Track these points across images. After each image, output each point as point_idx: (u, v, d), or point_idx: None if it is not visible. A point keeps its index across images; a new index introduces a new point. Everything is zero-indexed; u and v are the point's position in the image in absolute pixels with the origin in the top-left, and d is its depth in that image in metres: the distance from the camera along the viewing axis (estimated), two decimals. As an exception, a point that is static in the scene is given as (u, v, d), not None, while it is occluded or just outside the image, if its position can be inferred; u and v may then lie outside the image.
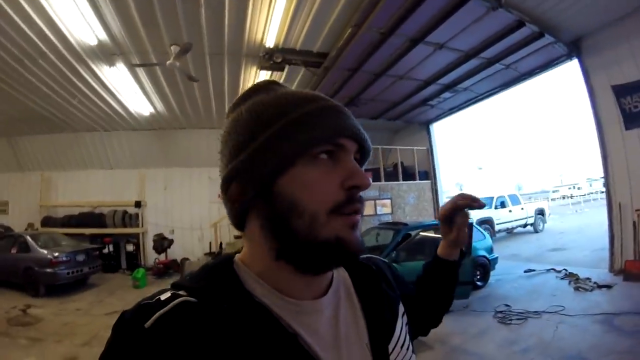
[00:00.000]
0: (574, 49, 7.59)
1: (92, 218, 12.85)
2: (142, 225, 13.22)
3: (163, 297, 0.60)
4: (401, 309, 0.82)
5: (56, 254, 8.95)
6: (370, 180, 0.65)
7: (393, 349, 0.72)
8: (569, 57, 7.86)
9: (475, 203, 0.96)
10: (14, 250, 9.38)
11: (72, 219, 12.76)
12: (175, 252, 12.45)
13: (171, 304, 0.57)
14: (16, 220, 12.92)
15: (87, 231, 12.52)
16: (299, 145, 0.60)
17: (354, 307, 0.72)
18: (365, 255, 0.87)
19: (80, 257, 9.58)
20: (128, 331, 0.55)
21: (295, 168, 0.61)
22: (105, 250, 12.18)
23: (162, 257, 12.22)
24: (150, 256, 12.67)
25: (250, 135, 0.63)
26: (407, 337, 0.79)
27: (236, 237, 11.14)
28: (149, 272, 11.31)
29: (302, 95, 0.67)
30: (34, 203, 13.08)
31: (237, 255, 0.71)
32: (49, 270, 8.77)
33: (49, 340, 5.91)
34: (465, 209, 0.99)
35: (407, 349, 0.76)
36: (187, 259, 12.09)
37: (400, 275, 0.94)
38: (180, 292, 0.60)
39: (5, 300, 8.33)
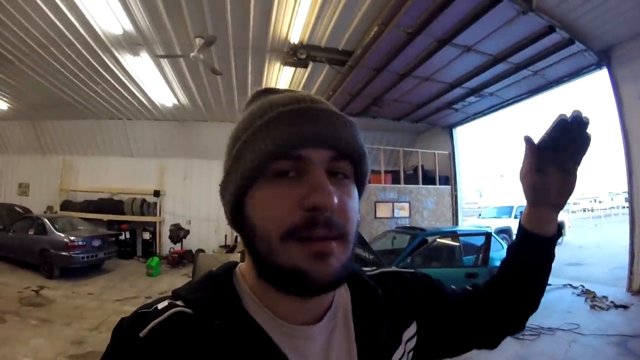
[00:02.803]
0: (604, 58, 7.34)
1: (110, 204, 13.10)
2: (160, 214, 13.39)
3: (160, 306, 0.60)
4: (409, 333, 0.73)
5: (72, 238, 9.12)
6: (334, 200, 0.53)
7: None
8: (598, 66, 7.61)
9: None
10: (31, 232, 9.64)
11: (90, 204, 13.01)
12: (190, 243, 12.58)
13: (166, 314, 0.57)
14: (36, 202, 13.28)
15: (105, 217, 12.77)
16: (251, 164, 0.56)
17: (349, 335, 0.66)
18: (378, 271, 0.80)
19: (96, 242, 9.73)
20: (124, 339, 0.56)
21: (255, 189, 0.57)
22: (122, 237, 12.38)
23: (178, 246, 12.38)
24: (166, 245, 12.87)
25: (227, 155, 0.62)
26: None
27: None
28: (163, 260, 11.49)
29: (271, 103, 0.59)
30: (54, 186, 13.40)
31: (240, 265, 0.69)
32: (64, 253, 8.93)
33: (58, 322, 5.99)
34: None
35: None
36: (202, 250, 12.17)
37: (428, 285, 0.82)
38: (178, 302, 0.60)
39: (19, 280, 8.53)
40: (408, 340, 0.73)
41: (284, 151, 0.54)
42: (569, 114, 0.70)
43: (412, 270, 0.85)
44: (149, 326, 0.55)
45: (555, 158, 0.74)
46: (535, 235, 0.80)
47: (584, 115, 0.69)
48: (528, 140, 0.75)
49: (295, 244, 0.53)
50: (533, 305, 0.88)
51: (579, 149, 0.73)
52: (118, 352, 0.55)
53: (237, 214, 0.60)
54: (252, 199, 0.57)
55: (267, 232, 0.55)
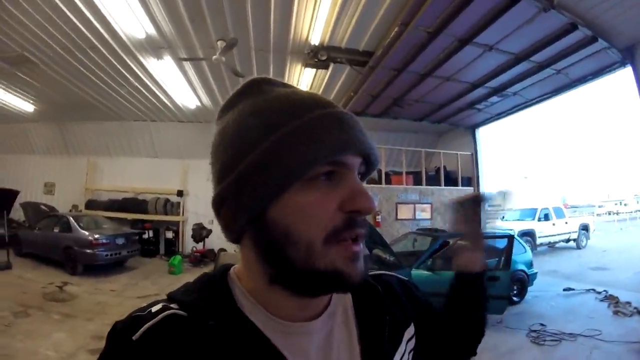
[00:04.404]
0: (627, 55, 7.04)
1: (134, 204, 13.35)
2: (183, 214, 13.59)
3: (154, 309, 0.60)
4: (408, 333, 0.75)
5: (96, 236, 9.33)
6: (374, 203, 0.58)
7: None
8: (622, 64, 7.32)
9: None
10: (56, 229, 9.89)
11: (115, 204, 13.28)
12: (213, 242, 12.65)
13: (159, 317, 0.57)
14: (61, 201, 13.61)
15: (129, 216, 13.05)
16: (292, 169, 0.53)
17: (350, 332, 0.67)
18: (377, 272, 0.81)
19: (120, 241, 9.94)
20: (118, 342, 0.56)
21: (289, 193, 0.54)
22: (145, 236, 12.65)
23: (200, 246, 12.51)
24: (188, 244, 13.03)
25: (236, 154, 0.57)
26: None
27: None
28: (185, 259, 11.63)
29: (295, 102, 0.59)
30: (79, 186, 13.70)
31: (234, 267, 0.68)
32: (88, 250, 9.15)
33: (80, 317, 6.15)
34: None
35: None
36: (223, 249, 12.24)
37: (420, 294, 0.86)
38: (172, 305, 0.60)
39: (43, 276, 8.74)
40: (408, 340, 0.74)
41: (332, 155, 0.55)
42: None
43: (407, 278, 0.88)
44: (142, 329, 0.55)
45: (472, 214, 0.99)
46: (469, 273, 0.97)
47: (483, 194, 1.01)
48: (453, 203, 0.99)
49: (335, 246, 0.55)
50: (475, 335, 0.97)
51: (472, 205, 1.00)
52: (112, 355, 0.56)
53: (256, 221, 0.57)
54: (285, 204, 0.54)
55: (308, 237, 0.54)
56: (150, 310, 0.59)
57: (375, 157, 0.62)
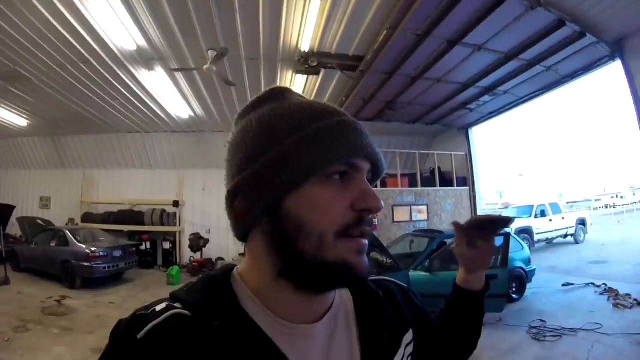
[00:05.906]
0: (616, 49, 7.12)
1: (131, 216, 13.34)
2: (180, 224, 13.53)
3: (158, 308, 0.60)
4: (407, 338, 0.76)
5: (93, 249, 9.31)
6: (382, 204, 0.61)
7: None
8: (611, 58, 7.37)
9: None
10: (53, 244, 9.86)
11: (111, 216, 13.27)
12: (210, 252, 12.72)
13: (163, 316, 0.58)
14: (57, 215, 13.59)
15: (126, 228, 13.02)
16: (312, 164, 0.58)
17: (351, 336, 0.68)
18: (377, 277, 0.83)
19: (117, 253, 9.89)
20: (122, 340, 0.57)
21: (306, 187, 0.58)
22: (142, 247, 12.59)
23: (198, 255, 12.51)
24: (186, 254, 13.03)
25: (260, 148, 0.61)
26: None
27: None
28: (183, 269, 11.62)
29: (317, 108, 0.64)
30: (75, 199, 13.71)
31: (237, 267, 0.70)
32: (86, 264, 9.12)
33: (80, 331, 6.12)
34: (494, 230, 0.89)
35: None
36: (221, 258, 12.32)
37: (418, 301, 0.88)
38: (176, 305, 0.61)
39: (42, 290, 8.72)
40: (407, 345, 0.76)
41: (347, 157, 0.60)
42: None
43: (406, 285, 0.90)
44: (147, 328, 0.56)
45: (479, 234, 0.89)
46: (469, 291, 0.94)
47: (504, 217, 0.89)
48: (456, 224, 0.92)
49: (344, 240, 0.59)
50: (469, 348, 0.97)
51: (495, 227, 0.89)
52: (116, 353, 0.57)
53: (271, 212, 0.60)
54: (301, 197, 0.58)
55: (321, 229, 0.57)
56: (155, 309, 0.60)
57: (382, 164, 0.66)
